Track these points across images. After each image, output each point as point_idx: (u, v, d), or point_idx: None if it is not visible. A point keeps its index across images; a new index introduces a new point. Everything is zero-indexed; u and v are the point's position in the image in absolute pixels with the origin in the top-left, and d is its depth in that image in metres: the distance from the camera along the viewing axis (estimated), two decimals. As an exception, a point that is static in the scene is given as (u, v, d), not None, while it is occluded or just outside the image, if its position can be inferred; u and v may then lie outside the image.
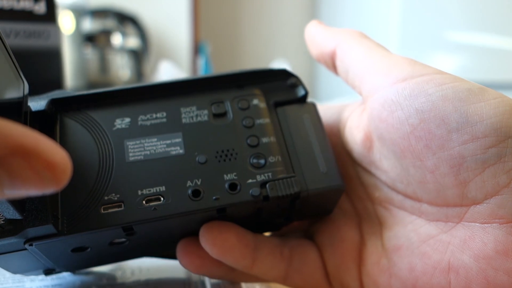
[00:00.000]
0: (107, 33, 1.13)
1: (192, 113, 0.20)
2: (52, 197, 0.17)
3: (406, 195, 0.20)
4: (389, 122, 0.18)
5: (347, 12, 1.49)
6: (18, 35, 0.39)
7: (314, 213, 0.23)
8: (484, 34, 1.24)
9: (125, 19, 1.16)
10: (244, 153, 0.20)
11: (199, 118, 0.20)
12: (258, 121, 0.20)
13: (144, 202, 0.18)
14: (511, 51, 1.26)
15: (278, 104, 0.21)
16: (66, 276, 0.25)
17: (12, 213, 0.16)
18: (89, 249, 0.19)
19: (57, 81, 0.41)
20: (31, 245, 0.17)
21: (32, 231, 0.16)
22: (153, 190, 0.18)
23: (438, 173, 0.17)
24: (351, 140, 0.22)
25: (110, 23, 1.14)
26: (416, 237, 0.19)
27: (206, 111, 0.20)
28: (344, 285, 0.22)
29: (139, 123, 0.20)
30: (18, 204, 0.16)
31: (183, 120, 0.20)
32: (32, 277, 0.25)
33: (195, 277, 0.25)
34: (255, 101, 0.21)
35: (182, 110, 0.20)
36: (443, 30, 1.22)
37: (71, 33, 1.00)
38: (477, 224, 0.17)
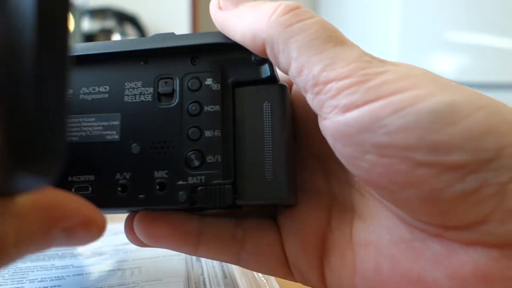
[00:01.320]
0: (106, 33, 1.13)
1: (136, 90, 0.18)
2: None
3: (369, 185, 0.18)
4: (343, 155, 0.16)
5: (347, 12, 1.49)
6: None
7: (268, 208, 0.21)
8: (484, 34, 1.24)
9: (125, 19, 1.16)
10: (182, 147, 0.17)
11: (142, 98, 0.18)
12: (206, 109, 0.18)
13: (73, 190, 0.17)
14: (511, 51, 1.26)
15: (238, 85, 0.18)
16: (65, 277, 0.25)
17: None
18: None
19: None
20: None
21: None
22: (82, 178, 0.17)
23: (411, 205, 0.15)
24: None
25: (109, 23, 1.14)
26: (388, 237, 0.17)
27: (151, 89, 0.18)
28: (302, 272, 0.20)
29: (80, 96, 0.18)
30: None
31: (125, 98, 0.18)
32: (32, 278, 0.25)
33: (195, 277, 0.25)
34: (208, 81, 0.18)
35: (127, 85, 0.18)
36: (443, 30, 1.22)
37: (70, 33, 1.00)
38: (456, 244, 0.15)
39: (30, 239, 0.14)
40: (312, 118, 0.19)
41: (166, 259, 0.28)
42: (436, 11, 1.22)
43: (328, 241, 0.19)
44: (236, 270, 0.26)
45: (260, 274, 0.26)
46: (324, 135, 0.16)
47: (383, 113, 0.14)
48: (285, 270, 0.20)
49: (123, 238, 0.33)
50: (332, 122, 0.15)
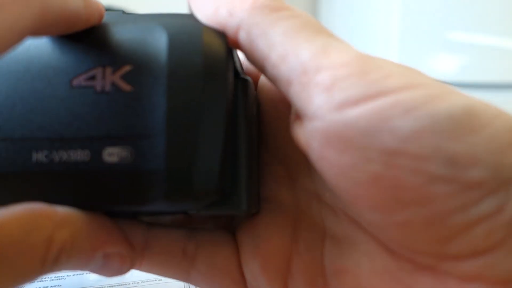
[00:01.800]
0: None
1: None
2: None
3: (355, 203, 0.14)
4: (334, 164, 0.12)
5: (347, 12, 1.49)
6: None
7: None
8: (484, 34, 1.24)
9: (125, 19, 1.16)
10: None
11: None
12: None
13: None
14: (511, 51, 1.26)
15: None
16: (65, 277, 0.25)
17: None
18: None
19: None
20: None
21: None
22: None
23: (408, 228, 0.12)
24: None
25: (110, 23, 1.14)
26: (368, 265, 0.15)
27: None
28: None
29: None
30: None
31: None
32: (32, 277, 0.25)
33: (194, 277, 0.25)
34: None
35: None
36: (443, 30, 1.22)
37: (71, 33, 1.00)
38: (452, 278, 0.13)
39: (78, 253, 0.13)
40: (281, 117, 0.17)
41: (166, 259, 0.28)
42: (436, 11, 1.22)
43: (293, 263, 0.16)
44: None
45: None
46: (308, 140, 0.13)
47: (392, 113, 0.11)
48: None
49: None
50: (325, 121, 0.12)
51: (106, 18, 0.15)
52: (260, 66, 0.14)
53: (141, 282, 0.24)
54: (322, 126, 0.12)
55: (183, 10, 1.34)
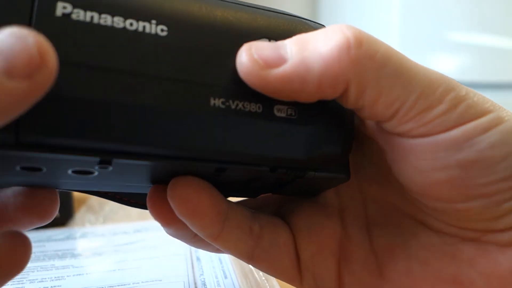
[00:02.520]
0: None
1: None
2: None
3: (411, 204, 0.18)
4: (417, 167, 0.16)
5: (347, 11, 1.49)
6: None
7: (303, 193, 0.20)
8: (484, 34, 1.24)
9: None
10: None
11: None
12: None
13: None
14: (511, 51, 1.26)
15: None
16: (65, 277, 0.25)
17: None
18: (44, 170, 0.15)
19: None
20: None
21: None
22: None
23: (466, 213, 0.16)
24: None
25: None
26: (414, 241, 0.18)
27: None
28: (316, 276, 0.19)
29: None
30: None
31: None
32: (32, 278, 0.25)
33: (195, 277, 0.25)
34: None
35: None
36: (443, 30, 1.22)
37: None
38: (493, 246, 0.16)
39: None
40: None
41: (166, 259, 0.28)
42: (436, 11, 1.22)
43: (345, 246, 0.19)
44: (236, 270, 0.26)
45: (260, 273, 0.26)
46: (389, 145, 0.17)
47: (474, 133, 0.15)
48: (294, 273, 0.19)
49: (123, 238, 0.33)
50: (418, 141, 0.15)
51: None
52: (356, 107, 0.16)
53: (141, 282, 0.24)
54: (413, 144, 0.16)
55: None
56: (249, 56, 0.15)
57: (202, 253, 0.29)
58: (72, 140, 0.13)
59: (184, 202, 0.16)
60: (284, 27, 0.17)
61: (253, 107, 0.15)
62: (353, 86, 0.14)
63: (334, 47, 0.14)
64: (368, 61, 0.14)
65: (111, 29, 0.14)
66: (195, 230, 0.17)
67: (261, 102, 0.15)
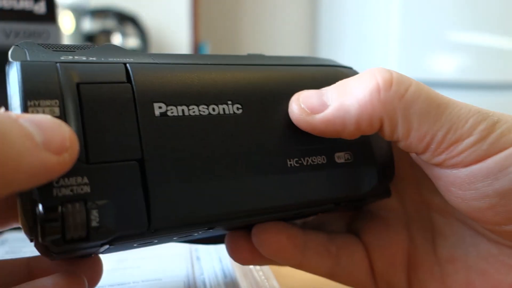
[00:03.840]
0: (107, 33, 1.13)
1: None
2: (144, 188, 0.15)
3: (472, 218, 0.19)
4: (456, 196, 0.17)
5: (347, 11, 1.49)
6: (18, 35, 0.39)
7: (351, 209, 0.23)
8: (484, 34, 1.24)
9: (125, 19, 1.16)
10: None
11: None
12: None
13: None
14: (511, 51, 1.26)
15: None
16: (66, 276, 0.25)
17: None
18: (155, 241, 0.17)
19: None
20: (111, 244, 0.15)
21: (123, 233, 0.14)
22: None
23: None
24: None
25: (110, 23, 1.14)
26: (475, 253, 0.19)
27: None
28: (390, 286, 0.21)
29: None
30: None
31: None
32: (32, 277, 0.25)
33: (195, 277, 0.25)
34: None
35: None
36: (443, 30, 1.22)
37: (71, 33, 1.00)
38: None
39: None
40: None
41: (166, 258, 0.28)
42: (436, 11, 1.22)
43: (413, 256, 0.21)
44: (236, 270, 0.26)
45: (260, 273, 0.26)
46: (432, 176, 0.18)
47: (507, 163, 0.16)
48: (370, 284, 0.22)
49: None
50: (452, 172, 0.17)
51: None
52: (393, 139, 0.18)
53: (141, 281, 0.24)
54: (450, 175, 0.17)
55: (184, 10, 1.34)
56: (297, 105, 0.18)
57: (202, 253, 0.29)
58: (193, 219, 0.16)
59: (268, 245, 0.19)
60: (326, 76, 0.20)
61: (320, 160, 0.18)
62: (386, 123, 0.17)
63: (367, 91, 0.16)
64: (397, 101, 0.16)
65: (200, 117, 0.16)
66: (280, 263, 0.21)
67: (324, 154, 0.18)
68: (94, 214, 0.14)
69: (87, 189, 0.14)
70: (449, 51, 1.24)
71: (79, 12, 1.03)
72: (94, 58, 0.16)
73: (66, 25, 0.94)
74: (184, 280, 0.25)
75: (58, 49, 0.15)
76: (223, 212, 0.16)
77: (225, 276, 0.26)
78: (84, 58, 0.15)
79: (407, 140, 0.17)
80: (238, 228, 0.20)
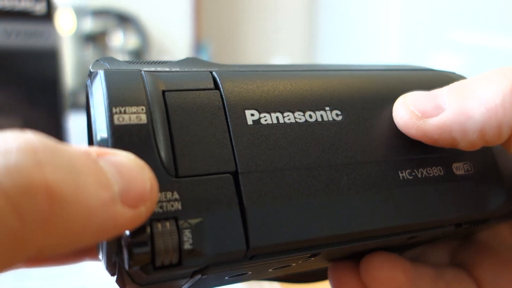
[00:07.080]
0: (107, 33, 1.13)
1: None
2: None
3: None
4: None
5: (347, 11, 1.49)
6: (19, 35, 0.39)
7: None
8: (484, 33, 1.24)
9: (125, 19, 1.16)
10: None
11: None
12: None
13: None
14: (511, 51, 1.26)
15: None
16: (64, 276, 0.25)
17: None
18: (249, 273, 0.15)
19: (57, 81, 0.41)
20: (204, 274, 0.13)
21: (219, 259, 0.13)
22: None
23: None
24: None
25: (110, 23, 1.15)
26: None
27: None
28: None
29: None
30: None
31: None
32: (32, 277, 0.25)
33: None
34: None
35: None
36: (443, 29, 1.22)
37: (71, 33, 1.00)
38: None
39: None
40: None
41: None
42: (436, 10, 1.22)
43: None
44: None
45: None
46: None
47: None
48: None
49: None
50: None
51: None
52: None
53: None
54: None
55: (184, 9, 1.34)
56: (405, 109, 0.15)
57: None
58: (296, 243, 0.13)
59: (383, 284, 0.16)
60: (431, 79, 0.17)
61: (436, 171, 0.16)
62: None
63: (497, 93, 0.14)
64: None
65: (296, 125, 0.14)
66: None
67: (440, 165, 0.16)
68: (187, 234, 0.12)
69: (178, 205, 0.12)
70: (450, 51, 1.24)
71: (80, 12, 1.03)
72: (177, 69, 0.14)
73: (67, 25, 0.94)
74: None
75: (138, 63, 0.14)
76: (330, 235, 0.14)
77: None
78: (167, 69, 0.14)
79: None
80: (341, 258, 0.17)
